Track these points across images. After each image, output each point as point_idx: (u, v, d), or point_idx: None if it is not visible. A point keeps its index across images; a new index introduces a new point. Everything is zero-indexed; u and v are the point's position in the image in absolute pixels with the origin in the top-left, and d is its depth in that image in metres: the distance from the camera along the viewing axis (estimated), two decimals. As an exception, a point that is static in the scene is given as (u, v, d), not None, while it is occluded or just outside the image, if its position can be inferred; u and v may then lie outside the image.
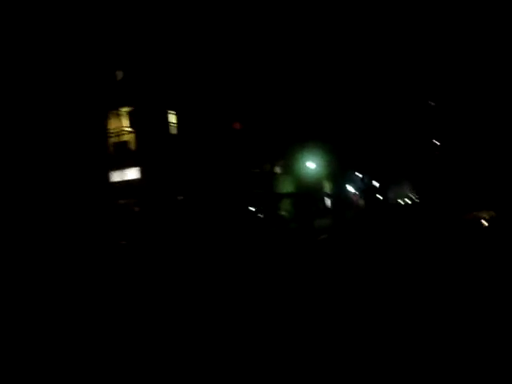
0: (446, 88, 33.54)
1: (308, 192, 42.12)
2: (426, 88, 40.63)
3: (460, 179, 32.52)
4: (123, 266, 15.94)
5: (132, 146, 23.46)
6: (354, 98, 45.94)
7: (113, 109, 23.77)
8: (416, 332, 5.49)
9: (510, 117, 24.26)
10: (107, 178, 23.38)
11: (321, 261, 13.20)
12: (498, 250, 10.31)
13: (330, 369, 4.60)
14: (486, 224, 14.14)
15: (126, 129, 23.74)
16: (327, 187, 52.58)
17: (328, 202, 52.60)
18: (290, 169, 41.74)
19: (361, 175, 59.01)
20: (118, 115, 23.93)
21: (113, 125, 23.83)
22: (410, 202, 69.51)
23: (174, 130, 24.90)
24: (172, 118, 24.84)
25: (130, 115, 23.63)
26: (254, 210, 35.08)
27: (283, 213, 37.43)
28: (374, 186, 63.05)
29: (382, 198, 66.48)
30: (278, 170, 41.79)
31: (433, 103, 40.93)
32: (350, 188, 58.09)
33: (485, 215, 14.79)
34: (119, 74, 23.91)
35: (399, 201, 70.82)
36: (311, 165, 40.58)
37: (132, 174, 23.13)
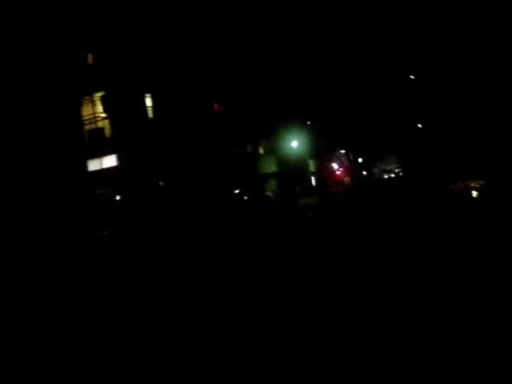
0: (430, 58, 33.11)
1: (292, 171, 41.76)
2: (408, 61, 40.14)
3: (445, 149, 32.22)
4: (105, 256, 15.36)
5: (107, 132, 22.57)
6: (337, 74, 45.27)
7: (85, 94, 22.79)
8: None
9: (498, 82, 23.97)
10: (83, 167, 22.56)
11: (307, 239, 12.85)
12: (487, 221, 9.92)
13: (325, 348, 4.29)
14: (474, 194, 13.63)
15: (101, 115, 22.80)
16: (312, 165, 52.31)
17: (314, 180, 52.41)
18: (274, 149, 41.26)
19: (345, 151, 58.84)
20: (92, 101, 22.96)
21: (86, 111, 22.89)
22: (393, 176, 69.78)
23: (151, 114, 24.01)
24: (148, 101, 23.91)
25: (104, 100, 22.62)
26: (238, 191, 34.61)
27: (268, 193, 37.04)
28: (359, 162, 63.04)
29: (366, 173, 66.57)
30: (261, 150, 41.27)
31: (413, 76, 40.54)
32: (335, 165, 57.96)
33: (473, 184, 14.34)
34: (90, 57, 22.84)
35: (384, 175, 71.13)
36: (295, 144, 40.15)
37: (109, 161, 22.31)
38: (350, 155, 60.50)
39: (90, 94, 22.69)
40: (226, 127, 32.85)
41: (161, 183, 24.11)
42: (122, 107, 22.18)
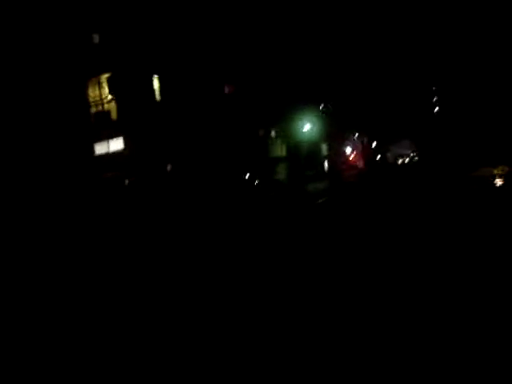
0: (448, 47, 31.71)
1: (304, 155, 40.92)
2: (425, 47, 38.70)
3: (464, 133, 30.75)
4: (115, 244, 14.99)
5: (114, 115, 22.04)
6: (350, 58, 43.93)
7: (91, 76, 22.20)
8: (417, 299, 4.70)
9: None
10: (91, 150, 22.11)
11: (320, 224, 12.26)
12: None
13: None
14: (498, 182, 12.59)
15: (107, 97, 22.25)
16: (325, 149, 51.27)
17: (326, 164, 51.43)
18: (285, 133, 40.34)
19: (358, 135, 57.59)
20: (98, 83, 22.38)
21: (92, 93, 22.34)
22: (408, 161, 68.27)
23: (158, 96, 23.39)
24: (156, 83, 23.27)
25: (110, 82, 22.02)
26: (248, 176, 34.01)
27: (280, 177, 36.35)
28: (372, 147, 61.74)
29: (380, 157, 65.28)
30: (272, 133, 40.41)
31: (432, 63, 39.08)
32: (348, 149, 56.80)
33: (497, 171, 13.26)
34: (96, 37, 22.17)
35: (399, 160, 69.58)
36: (307, 127, 39.22)
37: (116, 144, 21.84)
38: (364, 139, 59.29)
39: (97, 75, 22.10)
40: (236, 110, 32.09)
41: (168, 167, 23.64)
42: (128, 89, 21.61)
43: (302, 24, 37.23)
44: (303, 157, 40.94)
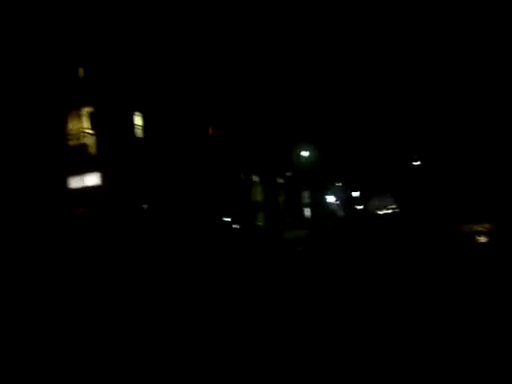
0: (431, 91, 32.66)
1: (286, 202, 40.69)
2: (408, 96, 39.90)
3: (446, 189, 30.86)
4: (84, 278, 14.05)
5: (93, 149, 21.49)
6: (336, 108, 45.00)
7: (73, 108, 21.83)
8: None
9: (503, 117, 23.10)
10: (65, 183, 21.38)
11: (295, 273, 11.69)
12: (494, 270, 8.67)
13: None
14: (481, 239, 12.22)
15: (87, 131, 21.79)
16: (306, 197, 51.30)
17: (307, 212, 51.25)
18: (267, 178, 40.25)
19: (341, 185, 58.10)
20: (79, 116, 21.98)
21: (72, 126, 21.88)
22: (389, 212, 68.74)
23: (140, 133, 23.04)
24: (139, 120, 22.98)
25: (92, 116, 21.66)
26: (229, 220, 33.39)
27: (259, 222, 35.82)
28: (355, 197, 62.24)
29: (362, 207, 65.65)
30: (255, 178, 40.25)
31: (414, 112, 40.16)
32: (330, 198, 57.01)
33: (479, 228, 12.92)
34: (81, 71, 22.00)
35: (379, 211, 69.98)
36: (290, 174, 39.30)
37: (92, 179, 21.14)
38: (347, 189, 59.82)
39: (78, 108, 21.74)
40: (220, 152, 31.96)
41: (144, 206, 22.92)
42: (109, 124, 21.23)
43: (285, 75, 38.05)
44: (284, 203, 40.67)
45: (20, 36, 20.38)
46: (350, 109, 44.69)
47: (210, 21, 28.20)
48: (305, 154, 41.47)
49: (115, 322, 7.59)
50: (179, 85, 25.69)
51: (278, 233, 31.83)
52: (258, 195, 39.21)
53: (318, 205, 51.15)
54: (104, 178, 20.96)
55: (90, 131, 21.63)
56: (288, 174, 39.02)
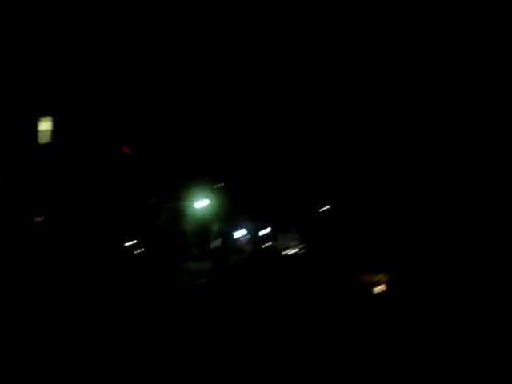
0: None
1: (194, 232, 40.05)
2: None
3: (351, 233, 31.28)
4: None
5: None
6: (248, 143, 45.69)
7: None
8: None
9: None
10: None
11: (198, 306, 11.32)
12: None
13: None
14: (377, 289, 12.24)
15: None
16: (216, 228, 51.03)
17: (215, 243, 50.79)
18: (177, 205, 39.41)
19: (252, 220, 58.71)
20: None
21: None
22: (294, 252, 70.54)
23: (43, 139, 21.53)
24: (43, 126, 21.47)
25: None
26: (133, 243, 31.99)
27: (164, 250, 34.67)
28: (266, 233, 63.02)
29: (268, 246, 66.73)
30: (165, 204, 39.21)
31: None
32: (240, 232, 57.15)
33: (377, 278, 12.93)
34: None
35: (287, 250, 71.55)
36: (201, 203, 38.78)
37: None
38: (257, 224, 60.57)
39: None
40: (132, 173, 30.93)
41: (38, 218, 21.22)
42: (9, 129, 19.68)
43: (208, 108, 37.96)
44: (192, 233, 40.02)
45: None
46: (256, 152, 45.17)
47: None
48: (216, 185, 41.30)
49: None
50: (90, 93, 24.59)
51: (182, 263, 31.12)
52: (166, 221, 38.33)
53: (227, 238, 50.93)
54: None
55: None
56: (199, 203, 38.52)
